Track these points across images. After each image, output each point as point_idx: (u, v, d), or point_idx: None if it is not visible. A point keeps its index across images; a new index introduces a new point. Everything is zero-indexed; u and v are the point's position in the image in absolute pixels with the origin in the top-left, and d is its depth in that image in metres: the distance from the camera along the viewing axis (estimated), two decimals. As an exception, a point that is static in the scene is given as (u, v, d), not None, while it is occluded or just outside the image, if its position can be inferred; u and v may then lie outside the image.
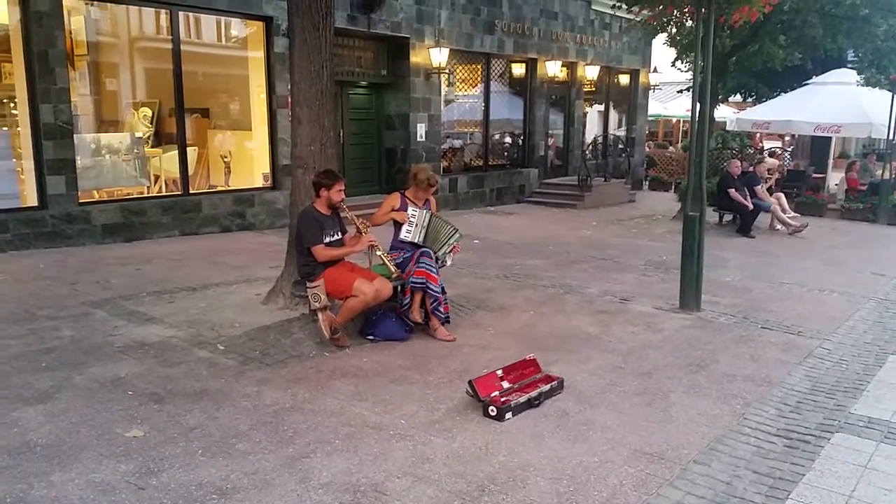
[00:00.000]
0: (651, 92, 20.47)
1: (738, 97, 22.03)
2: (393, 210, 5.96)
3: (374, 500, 3.28)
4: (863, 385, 4.97)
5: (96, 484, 3.34)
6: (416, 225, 5.92)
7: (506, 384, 4.48)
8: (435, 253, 5.87)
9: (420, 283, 5.64)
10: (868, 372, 5.25)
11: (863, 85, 14.86)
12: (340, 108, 12.12)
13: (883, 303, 7.42)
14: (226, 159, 11.33)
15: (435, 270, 5.72)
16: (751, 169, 12.65)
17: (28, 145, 8.66)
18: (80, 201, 9.03)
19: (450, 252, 6.04)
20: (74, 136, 8.95)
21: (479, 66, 14.86)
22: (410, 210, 5.94)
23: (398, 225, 5.98)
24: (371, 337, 5.61)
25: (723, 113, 20.85)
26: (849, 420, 4.36)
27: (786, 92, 17.65)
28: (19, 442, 3.71)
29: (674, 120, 30.32)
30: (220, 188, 11.04)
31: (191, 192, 10.32)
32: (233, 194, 10.78)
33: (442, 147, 14.27)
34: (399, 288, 5.75)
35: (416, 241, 5.90)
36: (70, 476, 3.40)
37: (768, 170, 13.80)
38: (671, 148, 25.67)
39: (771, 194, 12.53)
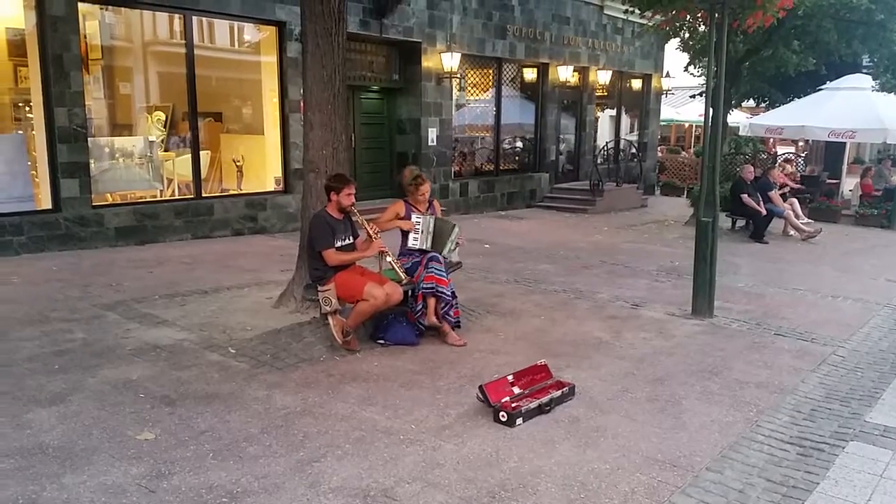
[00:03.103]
0: (663, 97, 20.40)
1: (752, 102, 21.89)
2: (398, 217, 5.96)
3: (383, 506, 3.28)
4: (878, 393, 4.91)
5: (107, 486, 3.35)
6: (422, 232, 5.91)
7: (516, 390, 4.47)
8: (441, 253, 5.87)
9: (430, 288, 5.63)
10: (883, 380, 5.19)
11: (878, 90, 14.74)
12: (352, 112, 12.16)
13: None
14: (238, 163, 11.38)
15: (444, 274, 5.71)
16: (763, 174, 12.58)
17: (42, 148, 8.73)
18: (94, 204, 9.09)
19: (454, 249, 6.03)
20: (88, 139, 9.02)
21: (490, 71, 14.86)
22: (415, 217, 5.93)
23: (405, 233, 5.98)
24: (382, 341, 5.61)
25: (736, 118, 20.73)
26: (864, 428, 4.31)
27: (799, 97, 17.53)
28: (32, 443, 3.73)
29: (686, 125, 30.16)
30: (232, 192, 11.09)
31: (203, 195, 10.37)
32: (245, 198, 10.82)
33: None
34: (410, 293, 5.75)
35: (423, 247, 5.90)
36: (82, 478, 3.41)
37: (786, 173, 13.75)
38: (684, 153, 25.54)
39: (785, 200, 12.45)
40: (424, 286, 5.65)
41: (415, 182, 6.00)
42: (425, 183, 6.04)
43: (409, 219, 5.95)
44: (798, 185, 14.13)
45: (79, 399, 4.30)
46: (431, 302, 5.68)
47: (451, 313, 5.78)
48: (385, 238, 5.70)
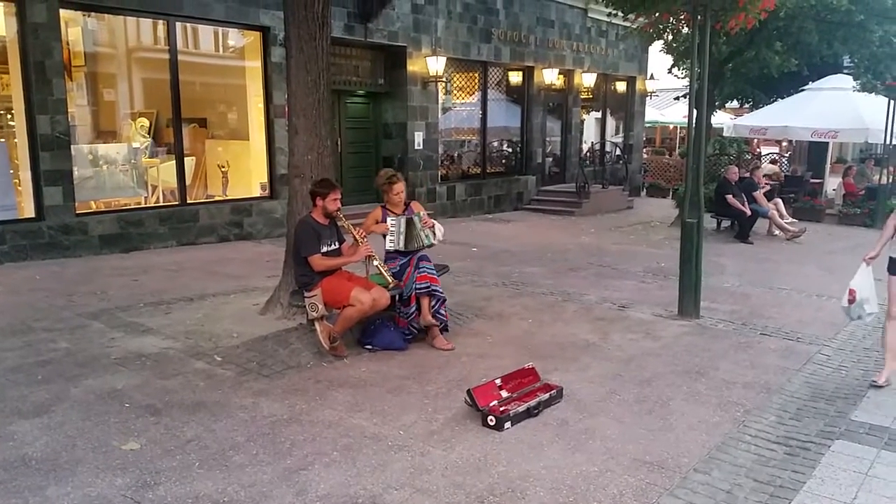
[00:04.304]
0: (648, 99, 20.49)
1: (735, 103, 22.04)
2: (376, 223, 5.94)
3: (372, 512, 3.26)
4: (863, 391, 4.95)
5: (92, 498, 3.31)
6: (395, 233, 5.88)
7: (504, 393, 4.46)
8: (423, 245, 5.86)
9: (424, 288, 5.63)
10: (868, 378, 5.22)
11: (859, 90, 14.89)
12: (338, 116, 12.13)
13: (882, 308, 7.37)
14: (223, 169, 11.32)
15: (435, 272, 5.74)
16: (747, 175, 12.67)
17: (25, 156, 8.64)
18: (78, 212, 9.01)
19: (428, 232, 5.89)
20: (71, 146, 8.93)
21: (476, 75, 14.88)
22: (390, 220, 5.90)
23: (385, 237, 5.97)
24: (369, 346, 5.60)
25: (720, 119, 20.89)
26: (849, 427, 4.34)
27: (782, 98, 17.68)
28: (15, 456, 3.69)
29: (671, 126, 30.35)
30: (217, 198, 11.03)
31: (188, 202, 10.31)
32: (230, 204, 10.76)
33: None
34: (398, 297, 5.73)
35: (399, 247, 5.86)
36: (65, 490, 3.37)
37: (764, 175, 13.84)
38: (668, 154, 25.69)
39: (770, 200, 12.54)
40: (419, 286, 5.64)
41: (388, 182, 5.90)
42: (398, 182, 5.93)
43: (385, 222, 5.94)
44: (772, 181, 14.20)
45: (62, 410, 4.26)
46: (426, 301, 5.66)
47: (442, 311, 5.77)
48: (372, 242, 5.69)
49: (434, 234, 5.97)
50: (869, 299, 5.12)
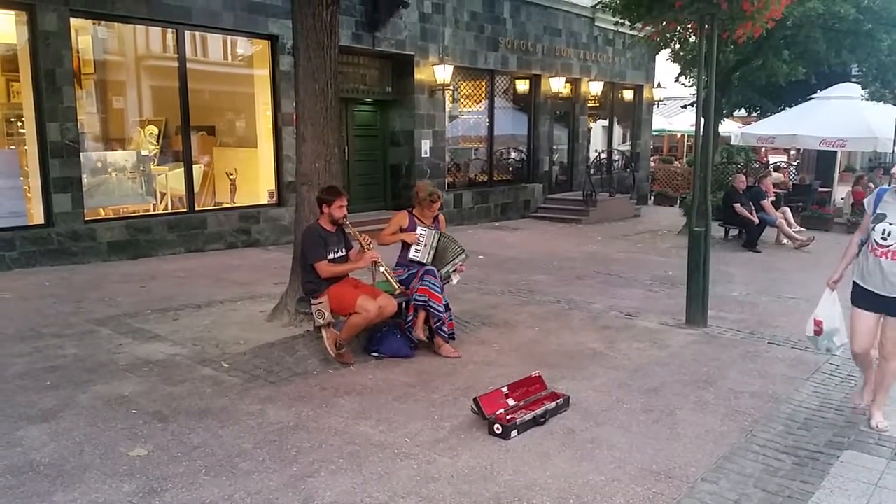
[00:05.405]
0: (655, 107, 20.50)
1: (743, 112, 22.01)
2: (401, 230, 5.95)
3: (378, 521, 3.26)
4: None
5: (99, 504, 3.32)
6: (425, 245, 5.89)
7: (511, 402, 4.45)
8: (439, 271, 5.85)
9: (422, 301, 5.61)
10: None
11: (867, 99, 14.84)
12: (345, 124, 12.19)
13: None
14: (231, 176, 11.37)
15: (438, 289, 5.68)
16: (755, 183, 12.65)
17: (35, 163, 8.71)
18: (86, 219, 9.06)
19: (454, 271, 6.02)
20: (81, 154, 9.00)
21: (483, 83, 14.93)
22: (420, 230, 5.91)
23: (406, 244, 5.96)
24: (375, 354, 5.59)
25: (728, 127, 20.83)
26: (859, 437, 4.30)
27: (790, 106, 17.65)
28: (22, 461, 3.70)
29: (678, 135, 30.30)
30: (225, 205, 11.07)
31: (196, 209, 10.36)
32: (238, 211, 10.81)
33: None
34: (403, 305, 5.73)
35: (424, 261, 5.87)
36: (73, 496, 3.38)
37: (773, 184, 13.82)
38: (676, 163, 25.65)
39: (777, 208, 12.50)
40: (417, 298, 5.63)
41: (430, 198, 5.98)
42: (439, 201, 6.06)
43: (414, 230, 5.95)
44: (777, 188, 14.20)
45: (70, 415, 4.27)
46: (421, 315, 5.66)
47: (445, 327, 5.75)
48: (382, 251, 5.69)
49: (453, 277, 6.04)
50: (839, 330, 4.61)
